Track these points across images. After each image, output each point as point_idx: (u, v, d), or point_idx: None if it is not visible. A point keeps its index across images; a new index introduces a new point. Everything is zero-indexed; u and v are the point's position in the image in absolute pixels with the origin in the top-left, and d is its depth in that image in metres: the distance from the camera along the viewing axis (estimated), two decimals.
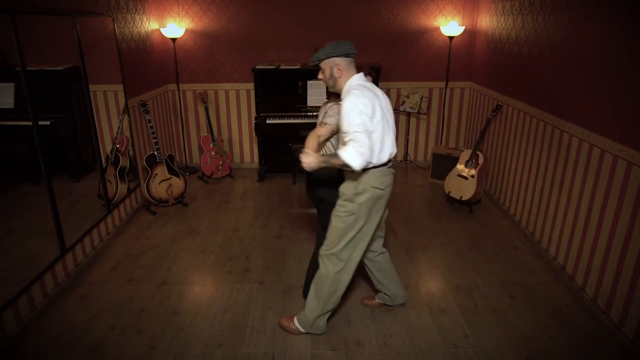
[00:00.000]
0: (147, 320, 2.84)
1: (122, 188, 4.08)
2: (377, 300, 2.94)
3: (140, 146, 4.52)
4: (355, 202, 2.39)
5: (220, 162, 5.31)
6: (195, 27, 5.27)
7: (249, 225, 4.12)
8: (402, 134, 5.68)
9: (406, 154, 5.73)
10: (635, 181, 2.51)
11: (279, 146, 5.16)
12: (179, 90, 5.43)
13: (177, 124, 5.60)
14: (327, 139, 2.62)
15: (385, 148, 2.37)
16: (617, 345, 2.59)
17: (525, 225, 3.86)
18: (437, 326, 2.77)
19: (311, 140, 2.45)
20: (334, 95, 2.61)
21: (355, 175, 2.36)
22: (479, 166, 4.30)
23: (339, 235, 2.45)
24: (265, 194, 4.90)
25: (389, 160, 2.45)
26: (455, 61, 5.36)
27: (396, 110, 5.46)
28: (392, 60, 5.38)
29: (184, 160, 5.74)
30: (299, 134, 4.69)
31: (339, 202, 2.46)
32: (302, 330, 2.68)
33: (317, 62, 2.41)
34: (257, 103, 5.02)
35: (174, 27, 5.06)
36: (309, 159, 2.23)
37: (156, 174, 4.37)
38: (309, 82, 4.86)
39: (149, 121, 4.38)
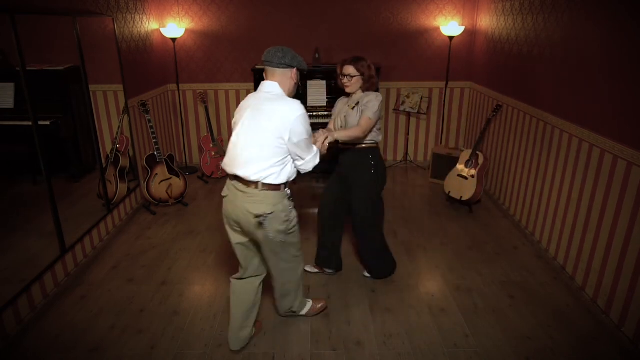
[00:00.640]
0: (147, 320, 2.84)
1: (122, 188, 4.08)
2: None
3: (140, 146, 4.52)
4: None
5: (221, 162, 5.30)
6: (195, 27, 5.27)
7: None
8: (402, 134, 5.68)
9: (406, 154, 5.73)
10: (635, 181, 2.51)
11: None
12: (179, 90, 5.43)
13: (177, 124, 5.60)
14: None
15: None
16: (617, 345, 2.59)
17: (525, 225, 3.86)
18: (437, 326, 2.77)
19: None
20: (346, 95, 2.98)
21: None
22: (479, 166, 4.30)
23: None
24: None
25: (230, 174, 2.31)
26: (455, 61, 5.36)
27: (396, 110, 5.47)
28: (392, 60, 5.38)
29: (184, 160, 5.74)
30: None
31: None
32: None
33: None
34: None
35: (174, 27, 5.06)
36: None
37: (156, 174, 4.37)
38: (309, 82, 4.86)
39: (149, 121, 4.38)
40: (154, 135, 4.36)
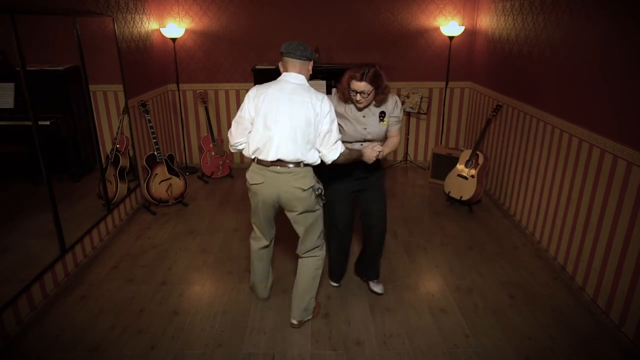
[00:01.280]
0: (147, 320, 2.84)
1: (122, 188, 4.08)
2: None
3: (140, 146, 4.52)
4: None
5: (220, 162, 5.31)
6: (195, 27, 5.27)
7: (249, 225, 4.11)
8: (403, 134, 5.68)
9: (406, 154, 5.73)
10: (635, 181, 2.51)
11: None
12: (179, 90, 5.43)
13: (177, 124, 5.60)
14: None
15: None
16: (617, 345, 2.59)
17: (525, 225, 3.86)
18: (437, 326, 2.77)
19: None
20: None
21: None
22: (479, 166, 4.30)
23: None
24: None
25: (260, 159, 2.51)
26: (455, 61, 5.36)
27: None
28: (392, 60, 5.38)
29: (184, 160, 5.74)
30: None
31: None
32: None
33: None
34: None
35: (174, 27, 5.06)
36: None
37: (156, 174, 4.37)
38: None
39: (149, 121, 4.38)
40: (154, 135, 4.36)
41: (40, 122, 2.81)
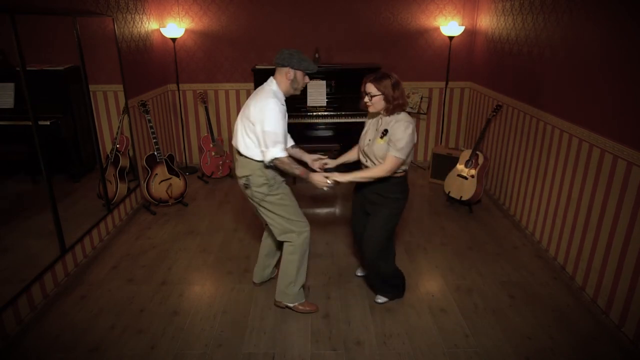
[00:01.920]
0: (147, 320, 2.84)
1: (122, 188, 4.08)
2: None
3: (140, 146, 4.52)
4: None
5: (220, 162, 5.31)
6: (195, 27, 5.27)
7: (249, 225, 4.12)
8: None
9: None
10: (635, 181, 2.51)
11: None
12: (179, 90, 5.43)
13: (177, 124, 5.60)
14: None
15: None
16: (617, 345, 2.59)
17: (525, 225, 3.86)
18: (437, 326, 2.77)
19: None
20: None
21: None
22: (479, 166, 4.30)
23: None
24: None
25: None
26: (455, 61, 5.36)
27: None
28: (392, 60, 5.38)
29: (184, 160, 5.74)
30: (299, 134, 4.68)
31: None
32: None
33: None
34: None
35: (174, 27, 5.06)
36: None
37: (156, 174, 4.37)
38: (308, 83, 4.85)
39: (149, 121, 4.38)
40: (154, 135, 4.36)
41: (40, 122, 2.81)
